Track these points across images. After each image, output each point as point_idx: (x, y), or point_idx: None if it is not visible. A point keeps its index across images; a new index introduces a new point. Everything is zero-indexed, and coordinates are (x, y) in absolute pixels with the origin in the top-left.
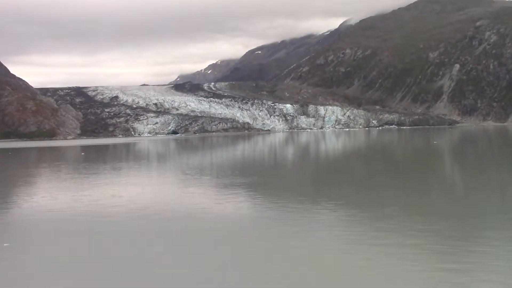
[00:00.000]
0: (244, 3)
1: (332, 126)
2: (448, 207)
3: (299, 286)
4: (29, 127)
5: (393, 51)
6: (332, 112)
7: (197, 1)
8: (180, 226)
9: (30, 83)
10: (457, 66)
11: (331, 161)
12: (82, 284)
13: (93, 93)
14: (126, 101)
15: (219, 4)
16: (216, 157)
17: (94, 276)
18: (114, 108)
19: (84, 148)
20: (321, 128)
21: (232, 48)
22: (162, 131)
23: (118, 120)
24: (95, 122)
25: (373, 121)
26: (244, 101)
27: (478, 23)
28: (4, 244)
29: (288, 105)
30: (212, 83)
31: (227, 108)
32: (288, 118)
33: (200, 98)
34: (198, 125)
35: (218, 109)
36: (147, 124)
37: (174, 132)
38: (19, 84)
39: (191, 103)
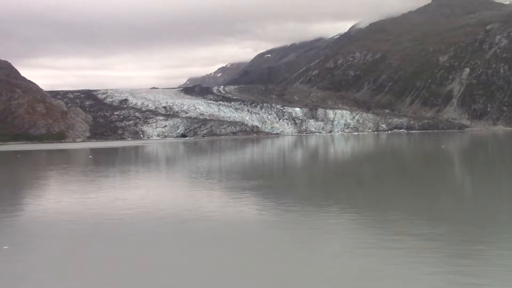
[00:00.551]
0: (254, 6)
1: (341, 130)
2: (452, 211)
3: None
4: (38, 129)
5: (403, 54)
6: (341, 116)
7: (207, 4)
8: (190, 228)
9: (40, 86)
10: (467, 70)
11: (338, 165)
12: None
13: (103, 96)
14: (136, 104)
15: (229, 7)
16: (225, 160)
17: (96, 280)
18: (123, 111)
19: (93, 151)
20: (330, 131)
21: (242, 51)
22: (171, 134)
23: (127, 123)
24: (104, 125)
25: (382, 125)
26: (253, 105)
27: (488, 27)
28: (4, 247)
29: (297, 109)
30: (222, 86)
31: (236, 111)
32: (297, 121)
33: (209, 101)
34: (207, 128)
35: (227, 112)
36: (156, 127)
37: (183, 135)
38: (30, 87)
39: (200, 106)
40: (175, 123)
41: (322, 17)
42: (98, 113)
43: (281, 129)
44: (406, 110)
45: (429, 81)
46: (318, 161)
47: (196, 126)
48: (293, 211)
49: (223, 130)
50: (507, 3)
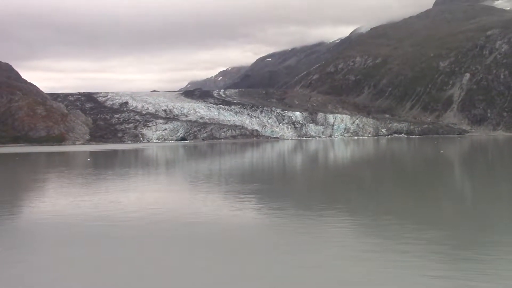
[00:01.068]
0: (255, 11)
1: (341, 134)
2: (447, 216)
3: None
4: (38, 132)
5: (404, 59)
6: (341, 120)
7: (208, 8)
8: (188, 231)
9: (41, 88)
10: (468, 75)
11: (338, 169)
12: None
13: (103, 99)
14: (136, 107)
15: (230, 11)
16: (224, 164)
17: (95, 281)
18: (123, 114)
19: (92, 153)
20: (330, 136)
21: (243, 55)
22: (171, 138)
23: (127, 126)
24: (104, 127)
25: (382, 130)
26: (253, 108)
27: (489, 32)
28: None
29: (297, 113)
30: (222, 90)
31: (236, 115)
32: (297, 125)
33: (210, 105)
34: (207, 131)
35: (227, 116)
36: (156, 131)
37: (183, 139)
38: (30, 89)
39: (200, 110)
40: (175, 126)
41: (323, 22)
42: (98, 116)
43: (281, 133)
44: (406, 115)
45: (430, 86)
46: (317, 166)
47: (196, 130)
48: (291, 215)
49: (223, 133)
50: (508, 9)
